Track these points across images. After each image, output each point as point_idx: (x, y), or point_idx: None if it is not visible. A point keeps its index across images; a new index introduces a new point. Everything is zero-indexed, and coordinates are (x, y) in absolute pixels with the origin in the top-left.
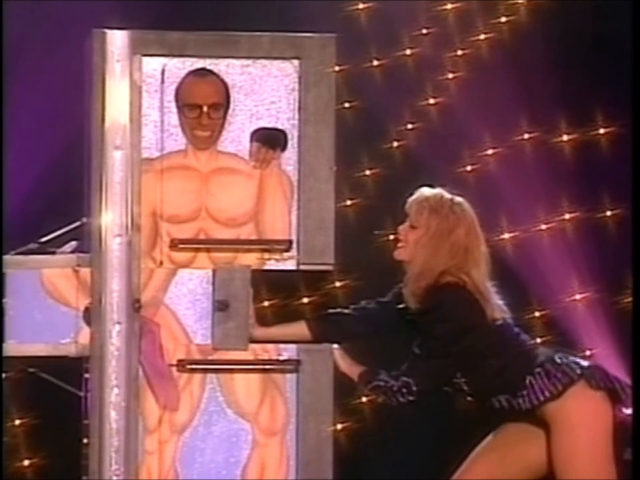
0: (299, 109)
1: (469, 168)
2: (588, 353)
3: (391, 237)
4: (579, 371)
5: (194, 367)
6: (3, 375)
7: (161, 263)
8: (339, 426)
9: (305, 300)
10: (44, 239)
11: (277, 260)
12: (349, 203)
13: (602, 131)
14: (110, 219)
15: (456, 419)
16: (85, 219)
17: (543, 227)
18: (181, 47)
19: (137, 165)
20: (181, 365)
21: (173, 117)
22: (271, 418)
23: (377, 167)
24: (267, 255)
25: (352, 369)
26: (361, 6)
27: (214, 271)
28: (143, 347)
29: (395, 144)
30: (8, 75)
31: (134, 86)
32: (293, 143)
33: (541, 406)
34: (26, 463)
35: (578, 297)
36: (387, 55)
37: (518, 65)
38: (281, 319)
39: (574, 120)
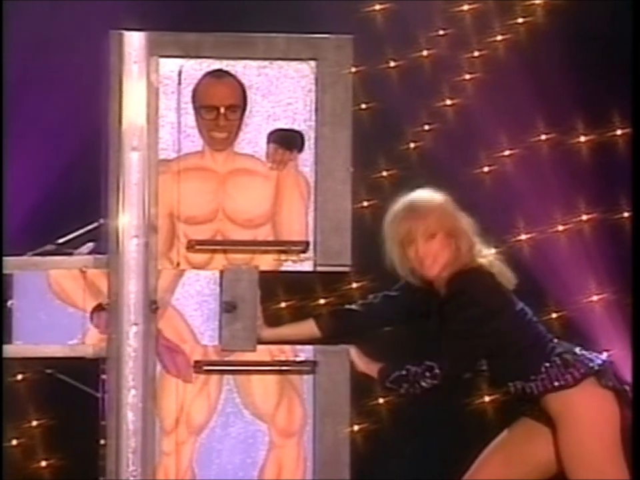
0: (316, 110)
1: (485, 169)
2: (605, 353)
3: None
4: (596, 366)
5: (211, 368)
6: (20, 377)
7: (178, 264)
8: (356, 427)
9: (322, 301)
10: (61, 240)
11: (293, 261)
12: (365, 204)
13: (619, 132)
14: (127, 220)
15: (471, 421)
16: (102, 221)
17: (560, 228)
18: (197, 49)
19: (154, 166)
20: (198, 366)
21: (189, 119)
22: (287, 419)
23: (394, 168)
24: (283, 257)
25: (370, 367)
26: (377, 7)
27: (221, 272)
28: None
29: (412, 145)
30: (27, 76)
31: (151, 87)
32: (309, 144)
33: (553, 392)
34: (43, 463)
35: (595, 298)
36: (404, 56)
37: (535, 66)
38: (297, 321)
39: (591, 121)
